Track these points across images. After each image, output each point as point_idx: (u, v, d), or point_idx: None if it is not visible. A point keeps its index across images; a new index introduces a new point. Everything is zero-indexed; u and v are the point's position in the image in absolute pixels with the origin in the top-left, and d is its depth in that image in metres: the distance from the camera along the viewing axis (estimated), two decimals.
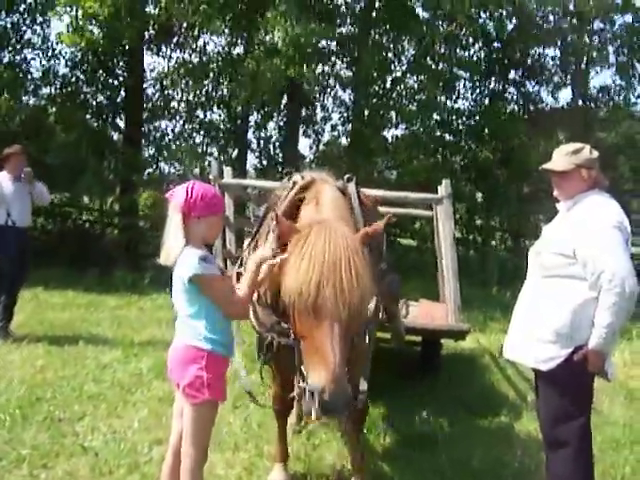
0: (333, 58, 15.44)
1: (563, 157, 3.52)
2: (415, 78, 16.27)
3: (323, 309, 2.76)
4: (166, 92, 16.08)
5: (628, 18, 16.62)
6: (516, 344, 3.64)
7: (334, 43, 15.07)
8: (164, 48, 15.60)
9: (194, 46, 15.56)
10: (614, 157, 17.68)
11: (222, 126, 16.64)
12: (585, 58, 16.86)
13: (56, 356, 6.68)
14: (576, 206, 3.47)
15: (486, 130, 15.98)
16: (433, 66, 15.85)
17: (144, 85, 15.85)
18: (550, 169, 3.56)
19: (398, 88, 16.35)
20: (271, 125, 17.32)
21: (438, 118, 16.24)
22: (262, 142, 17.01)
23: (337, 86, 17.01)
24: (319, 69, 13.43)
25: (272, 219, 3.33)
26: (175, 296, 3.07)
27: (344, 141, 17.42)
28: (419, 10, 15.49)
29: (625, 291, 3.16)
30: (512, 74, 17.47)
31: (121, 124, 16.04)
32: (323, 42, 14.06)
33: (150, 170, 15.55)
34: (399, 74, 16.52)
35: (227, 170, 6.41)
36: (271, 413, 4.39)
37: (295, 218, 3.49)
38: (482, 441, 5.02)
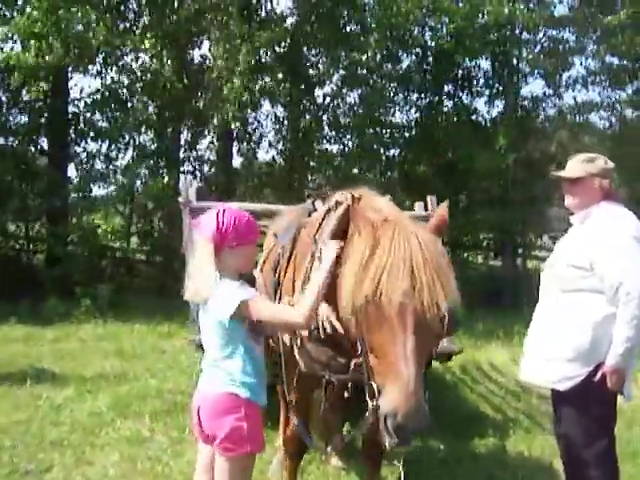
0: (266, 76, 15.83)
1: (577, 165, 3.59)
2: (351, 93, 16.87)
3: (401, 311, 2.51)
4: (92, 113, 16.12)
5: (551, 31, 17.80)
6: (533, 365, 3.63)
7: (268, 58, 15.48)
8: (90, 67, 15.69)
9: (121, 65, 15.69)
10: (548, 166, 18.61)
11: (152, 146, 16.78)
12: (517, 69, 17.77)
13: (5, 398, 6.57)
14: (591, 217, 3.50)
15: (424, 143, 16.59)
16: (371, 81, 16.47)
17: (69, 106, 15.87)
18: (563, 177, 3.64)
19: (333, 103, 16.97)
20: (203, 144, 17.60)
21: (375, 132, 16.80)
22: (194, 161, 17.26)
23: (268, 102, 17.43)
24: (256, 86, 13.77)
25: (313, 243, 3.22)
26: (207, 338, 2.92)
27: (279, 158, 17.79)
28: (354, 27, 16.17)
29: None
30: (447, 87, 18.32)
31: (45, 146, 16.02)
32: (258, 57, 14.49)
33: (77, 194, 15.45)
34: (333, 88, 17.13)
35: (191, 191, 6.31)
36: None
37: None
38: (475, 464, 5.13)
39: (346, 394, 3.36)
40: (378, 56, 16.41)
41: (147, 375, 7.69)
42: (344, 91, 17.05)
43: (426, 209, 6.43)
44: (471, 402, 7.23)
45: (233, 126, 13.58)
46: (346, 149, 17.25)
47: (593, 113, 19.39)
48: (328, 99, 17.30)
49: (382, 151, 17.10)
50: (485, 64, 17.91)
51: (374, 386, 2.59)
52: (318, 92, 17.29)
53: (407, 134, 17.85)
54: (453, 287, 2.63)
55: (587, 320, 3.34)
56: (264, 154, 19.06)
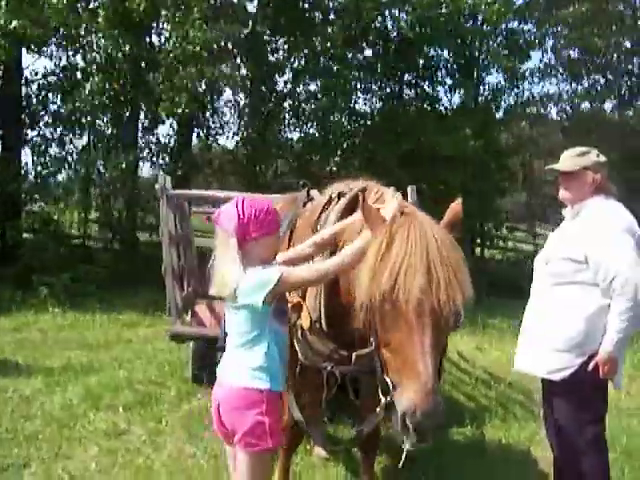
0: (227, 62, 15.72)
1: (570, 159, 3.68)
2: (312, 80, 16.91)
3: (418, 308, 2.50)
4: (45, 96, 15.78)
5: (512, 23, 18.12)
6: (527, 355, 3.74)
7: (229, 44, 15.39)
8: (45, 49, 15.35)
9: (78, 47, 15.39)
10: (508, 156, 18.99)
11: (108, 131, 16.52)
12: (477, 59, 18.02)
13: None
14: (584, 211, 3.59)
15: (386, 131, 16.72)
16: (334, 68, 16.52)
17: (22, 88, 15.52)
18: (557, 169, 3.73)
19: (294, 90, 17.02)
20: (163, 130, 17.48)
21: (337, 120, 16.87)
22: (153, 147, 17.07)
23: (229, 89, 17.36)
24: (215, 71, 13.66)
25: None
26: (232, 327, 2.90)
27: (241, 145, 17.73)
28: (316, 13, 16.20)
29: (637, 297, 3.29)
30: (409, 75, 18.53)
31: None
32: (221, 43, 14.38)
33: (34, 179, 15.13)
34: (294, 76, 17.16)
35: (168, 179, 6.27)
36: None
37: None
38: (453, 453, 5.21)
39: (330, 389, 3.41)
40: (339, 44, 16.42)
41: (115, 366, 7.62)
42: (305, 79, 17.10)
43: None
44: (443, 391, 7.28)
45: (179, 110, 13.33)
46: (308, 137, 17.26)
47: (550, 105, 19.84)
48: (289, 86, 17.36)
49: (343, 139, 17.18)
50: (447, 54, 18.08)
51: (388, 382, 2.60)
52: (279, 79, 17.34)
53: (369, 122, 17.98)
54: (469, 284, 2.63)
55: (581, 312, 3.43)
56: (225, 141, 18.97)
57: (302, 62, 17.07)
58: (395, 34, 17.66)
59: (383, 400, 2.65)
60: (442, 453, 5.15)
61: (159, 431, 5.56)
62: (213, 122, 17.93)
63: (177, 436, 5.44)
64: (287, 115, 17.50)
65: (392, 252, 2.57)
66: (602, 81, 23.15)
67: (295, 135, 18.00)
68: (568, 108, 22.29)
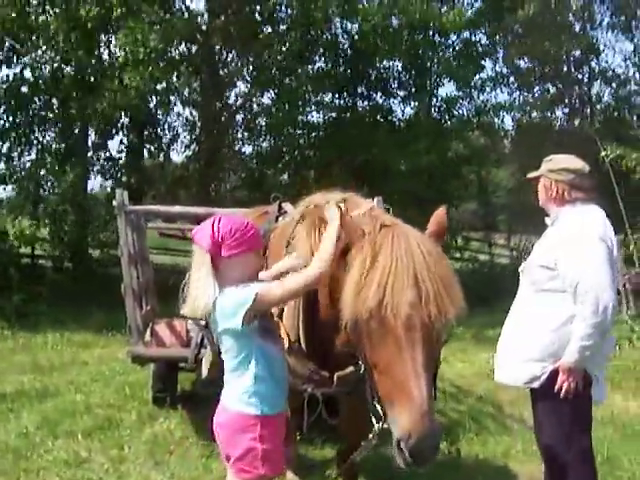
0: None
1: (542, 165, 3.72)
2: (265, 93, 17.03)
3: (408, 324, 2.39)
4: None
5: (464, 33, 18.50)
6: (503, 364, 3.72)
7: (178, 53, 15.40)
8: None
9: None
10: (462, 166, 19.31)
11: (55, 146, 16.34)
12: (430, 71, 18.33)
13: None
14: (560, 218, 3.60)
15: (339, 143, 16.88)
16: (286, 81, 16.66)
17: None
18: (526, 177, 3.83)
19: (246, 104, 17.10)
20: (114, 145, 17.38)
21: (290, 132, 17.00)
22: (104, 162, 16.94)
23: (179, 104, 17.34)
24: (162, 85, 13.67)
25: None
26: (223, 350, 2.82)
27: (193, 159, 17.73)
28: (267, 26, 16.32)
29: (599, 304, 3.24)
30: (361, 88, 18.76)
31: None
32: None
33: None
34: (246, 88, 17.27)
35: (125, 194, 6.13)
36: None
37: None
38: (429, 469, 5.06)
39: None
40: (291, 57, 16.57)
41: (71, 389, 7.40)
42: (255, 92, 17.17)
43: None
44: None
45: (123, 115, 13.13)
46: (261, 150, 17.37)
47: (503, 114, 20.23)
48: (240, 100, 17.44)
49: (296, 152, 17.29)
50: (399, 66, 18.34)
51: (378, 408, 2.51)
52: (230, 93, 17.40)
53: (322, 134, 18.13)
54: (460, 296, 2.53)
55: (554, 320, 3.44)
56: (177, 156, 18.93)
57: (253, 75, 17.11)
58: (347, 45, 17.91)
59: (377, 426, 2.56)
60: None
61: (122, 458, 5.30)
62: (164, 136, 17.88)
63: (141, 463, 5.21)
64: (239, 129, 17.57)
65: (378, 266, 2.45)
66: (552, 90, 23.77)
67: (248, 149, 18.06)
68: (520, 117, 22.79)
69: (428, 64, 18.18)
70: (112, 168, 16.86)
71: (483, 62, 19.05)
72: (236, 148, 17.72)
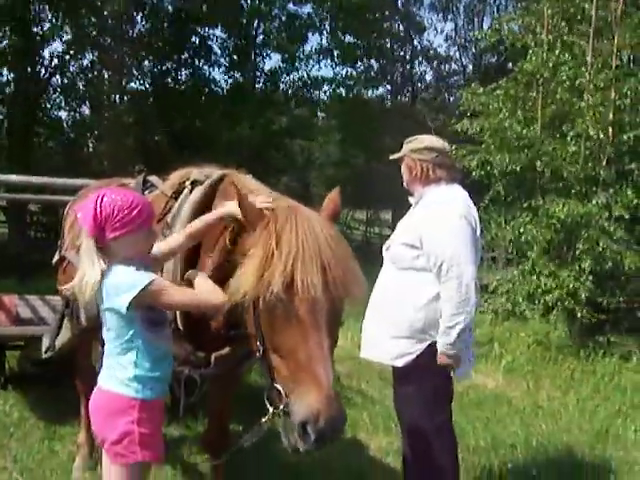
0: None
1: (404, 146, 3.73)
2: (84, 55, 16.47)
3: (315, 308, 2.38)
4: None
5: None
6: (370, 341, 3.73)
7: None
8: None
9: None
10: (283, 139, 19.70)
11: None
12: (254, 41, 18.54)
13: None
14: (425, 198, 3.64)
15: (159, 111, 16.75)
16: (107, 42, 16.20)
17: None
18: (391, 158, 3.82)
19: (63, 66, 16.44)
20: None
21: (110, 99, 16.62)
22: None
23: None
24: None
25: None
26: (105, 330, 2.69)
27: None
28: None
29: (462, 282, 3.33)
30: (184, 54, 18.57)
31: None
32: None
33: None
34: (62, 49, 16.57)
35: None
36: None
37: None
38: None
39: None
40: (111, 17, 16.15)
41: None
42: (75, 53, 16.55)
43: None
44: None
45: None
46: (77, 116, 16.85)
47: (325, 87, 20.81)
48: (56, 61, 16.69)
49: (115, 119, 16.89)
50: (222, 33, 18.42)
51: (280, 389, 2.43)
52: (45, 53, 16.65)
53: (143, 101, 17.85)
54: (362, 278, 2.58)
55: (419, 298, 3.48)
56: None
57: (70, 35, 16.47)
58: (170, 10, 17.70)
59: (271, 410, 2.48)
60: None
61: None
62: None
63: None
64: (56, 93, 16.88)
65: (282, 249, 2.41)
66: (376, 66, 24.65)
67: (64, 114, 17.40)
68: (343, 91, 23.46)
69: (253, 33, 18.32)
70: None
71: (309, 35, 19.46)
72: (51, 114, 16.94)
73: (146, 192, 3.76)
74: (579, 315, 8.68)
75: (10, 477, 4.33)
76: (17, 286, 8.61)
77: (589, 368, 8.25)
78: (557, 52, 9.36)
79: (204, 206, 3.05)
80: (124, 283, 2.51)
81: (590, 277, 8.61)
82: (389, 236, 3.90)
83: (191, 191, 3.19)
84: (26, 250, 14.18)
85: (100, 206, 2.53)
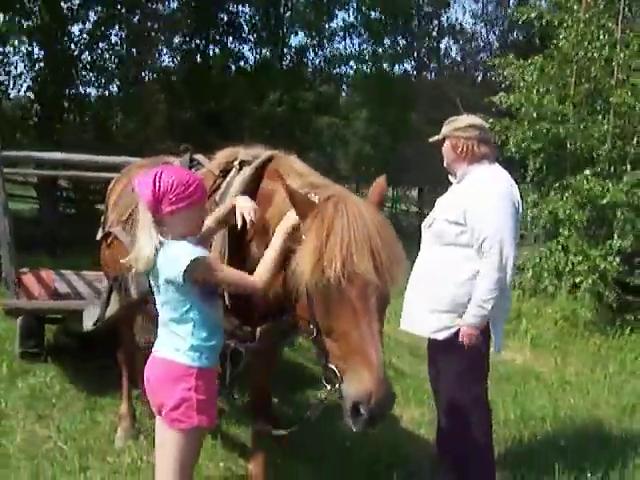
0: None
1: (444, 127, 3.81)
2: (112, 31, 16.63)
3: (367, 292, 2.52)
4: None
5: None
6: (412, 315, 3.81)
7: None
8: None
9: None
10: (310, 115, 19.74)
11: None
12: (282, 17, 18.61)
13: None
14: (467, 177, 3.71)
15: (189, 88, 16.91)
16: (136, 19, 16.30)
17: None
18: (432, 140, 3.90)
19: (92, 43, 16.58)
20: None
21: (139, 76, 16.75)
22: None
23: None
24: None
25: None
26: (159, 301, 2.81)
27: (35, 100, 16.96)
28: None
29: (501, 260, 3.45)
30: (212, 32, 18.68)
31: None
32: None
33: None
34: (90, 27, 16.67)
35: None
36: None
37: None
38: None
39: None
40: None
41: None
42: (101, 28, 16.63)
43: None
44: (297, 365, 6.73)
45: None
46: (108, 94, 17.03)
47: (352, 64, 20.84)
48: (86, 37, 16.79)
49: (146, 97, 17.03)
50: (250, 11, 18.49)
51: (334, 369, 2.55)
52: (75, 29, 16.75)
53: (173, 79, 17.98)
54: (406, 264, 2.71)
55: (461, 274, 3.58)
56: (17, 95, 17.70)
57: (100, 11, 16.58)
58: None
59: (328, 387, 2.61)
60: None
61: (2, 414, 4.99)
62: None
63: (24, 418, 4.91)
64: (85, 70, 17.02)
65: (336, 236, 2.52)
66: (402, 43, 24.58)
67: (93, 91, 17.53)
68: (369, 68, 23.45)
69: (281, 10, 18.39)
70: None
71: (336, 12, 19.47)
72: (80, 90, 17.09)
73: (192, 170, 3.80)
74: (606, 294, 8.78)
75: (55, 446, 4.46)
76: (48, 262, 8.63)
77: (616, 344, 8.38)
78: (592, 29, 9.35)
79: (254, 185, 3.18)
80: (181, 254, 2.61)
81: (618, 257, 8.70)
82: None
83: (239, 171, 3.29)
84: (57, 226, 14.45)
85: (159, 181, 2.64)
